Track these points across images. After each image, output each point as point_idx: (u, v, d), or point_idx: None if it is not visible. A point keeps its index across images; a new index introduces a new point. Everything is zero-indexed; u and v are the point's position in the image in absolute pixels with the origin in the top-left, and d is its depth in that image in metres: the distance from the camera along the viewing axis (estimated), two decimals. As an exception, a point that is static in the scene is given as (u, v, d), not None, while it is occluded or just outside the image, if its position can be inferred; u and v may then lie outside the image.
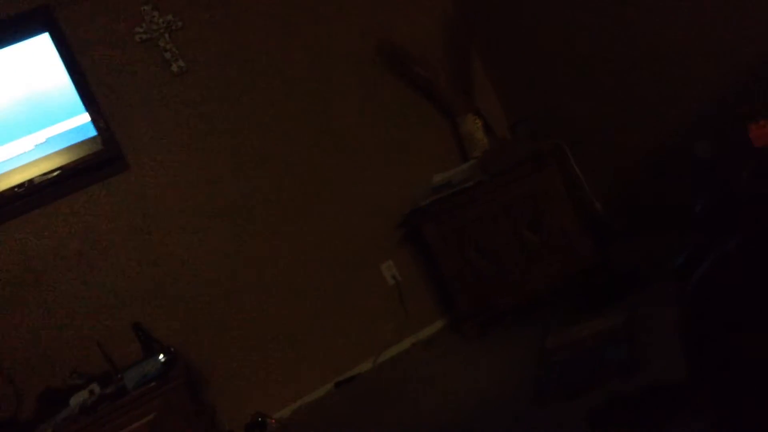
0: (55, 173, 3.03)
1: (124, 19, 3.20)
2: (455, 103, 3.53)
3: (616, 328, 2.43)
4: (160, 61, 3.24)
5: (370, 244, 3.50)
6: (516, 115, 3.65)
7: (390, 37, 3.57)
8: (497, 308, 3.11)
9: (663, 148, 2.85)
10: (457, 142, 3.64)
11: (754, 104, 2.24)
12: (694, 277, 1.68)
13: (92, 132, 3.08)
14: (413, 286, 3.54)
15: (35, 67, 3.05)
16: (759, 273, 1.37)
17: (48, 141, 3.04)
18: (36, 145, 3.02)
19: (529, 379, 2.38)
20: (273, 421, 3.06)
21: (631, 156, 3.08)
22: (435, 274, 3.41)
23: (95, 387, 2.72)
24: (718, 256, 1.57)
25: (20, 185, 2.98)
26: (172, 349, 2.82)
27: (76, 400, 2.67)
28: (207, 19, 3.33)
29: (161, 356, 2.74)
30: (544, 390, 2.27)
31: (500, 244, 3.08)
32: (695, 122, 2.64)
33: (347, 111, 3.53)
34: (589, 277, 2.95)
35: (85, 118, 3.08)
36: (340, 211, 3.47)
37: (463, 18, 3.64)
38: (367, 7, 3.61)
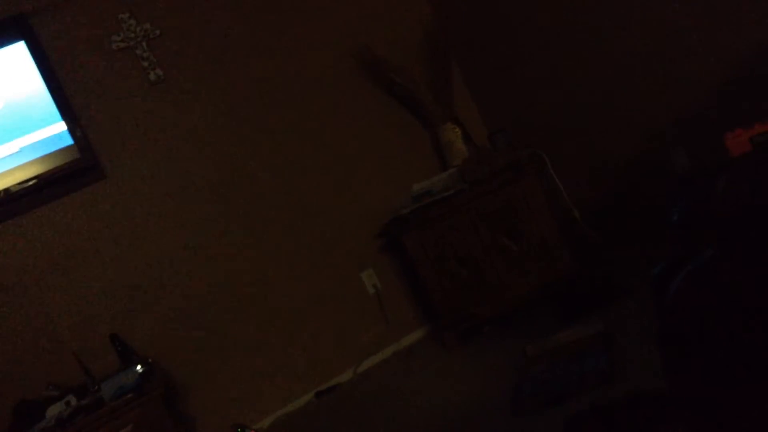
0: (31, 182, 3.00)
1: (101, 27, 3.18)
2: (435, 113, 3.55)
3: (595, 337, 2.44)
4: (137, 69, 3.22)
5: (351, 252, 3.50)
6: (495, 125, 3.67)
7: (370, 46, 3.57)
8: (477, 317, 3.12)
9: (640, 158, 2.88)
10: (436, 151, 3.65)
11: (731, 112, 2.27)
12: (671, 288, 1.69)
13: (69, 141, 3.05)
14: (394, 295, 3.55)
15: (10, 75, 3.01)
16: (734, 284, 1.39)
17: (23, 150, 3.00)
18: (11, 154, 2.98)
19: (509, 389, 2.38)
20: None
21: (609, 165, 3.11)
22: (415, 283, 3.42)
23: (72, 398, 2.68)
24: (694, 267, 1.59)
25: (-2, 192, 2.94)
26: (150, 360, 2.79)
27: (52, 411, 2.64)
28: (185, 28, 3.32)
29: (139, 367, 2.72)
30: (522, 399, 2.27)
31: (479, 253, 3.09)
32: (672, 131, 2.68)
33: (327, 120, 3.53)
34: (568, 286, 2.97)
35: (62, 126, 3.04)
36: (320, 220, 3.46)
37: (443, 28, 3.66)
38: (348, 16, 3.62)
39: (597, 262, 3.15)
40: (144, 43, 3.22)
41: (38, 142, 3.02)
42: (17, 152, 2.99)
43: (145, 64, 3.22)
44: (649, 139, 2.81)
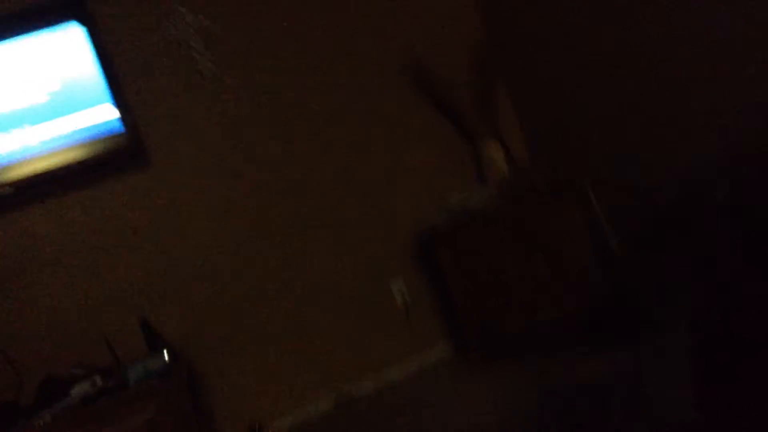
0: (77, 163, 3.04)
1: (157, 16, 3.24)
2: (478, 129, 3.54)
3: (624, 367, 2.41)
4: (189, 61, 3.27)
5: (383, 259, 3.49)
6: (538, 146, 3.65)
7: (419, 58, 3.59)
8: (505, 336, 3.09)
9: (684, 190, 2.83)
10: (477, 167, 3.64)
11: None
12: (707, 323, 1.66)
13: (117, 126, 3.09)
14: (421, 307, 3.53)
15: (65, 57, 3.07)
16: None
17: (72, 132, 3.05)
18: (60, 135, 3.04)
19: (531, 415, 2.35)
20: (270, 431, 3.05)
21: (652, 196, 3.06)
22: (444, 296, 3.40)
23: (97, 379, 2.71)
24: (733, 302, 1.56)
25: (41, 173, 2.99)
26: (177, 348, 2.81)
27: (77, 390, 2.67)
28: (240, 26, 3.36)
29: (165, 354, 2.74)
30: (547, 426, 2.24)
31: (512, 271, 3.07)
32: (720, 168, 2.63)
33: (370, 128, 3.54)
34: (600, 313, 2.93)
35: (111, 111, 3.09)
36: (355, 224, 3.47)
37: (493, 47, 3.66)
38: (400, 28, 3.63)
39: (631, 292, 3.10)
40: (198, 36, 3.27)
41: (88, 125, 3.08)
42: (67, 134, 3.04)
43: (198, 56, 3.27)
44: (694, 170, 2.77)
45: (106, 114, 3.08)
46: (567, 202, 3.03)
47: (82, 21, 3.08)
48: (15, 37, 3.00)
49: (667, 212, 2.95)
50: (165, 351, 2.75)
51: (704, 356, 1.63)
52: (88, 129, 3.06)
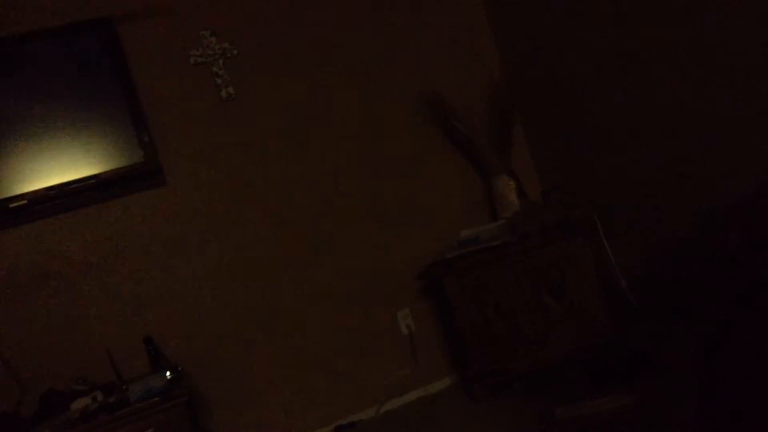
0: (92, 179, 3.08)
1: (182, 40, 3.30)
2: (492, 163, 3.56)
3: (628, 408, 2.38)
4: (211, 85, 3.33)
5: (389, 290, 3.49)
6: (550, 182, 3.66)
7: (436, 91, 3.63)
8: (509, 371, 3.06)
9: (694, 232, 2.83)
10: (488, 201, 3.65)
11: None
12: (715, 364, 1.65)
13: (134, 144, 3.14)
14: (427, 338, 3.52)
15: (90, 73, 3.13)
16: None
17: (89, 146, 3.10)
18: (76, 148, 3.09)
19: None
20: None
21: (661, 237, 3.06)
22: (450, 329, 3.38)
23: (98, 394, 2.71)
24: (742, 340, 1.55)
25: (53, 187, 3.03)
26: (180, 368, 2.81)
27: (78, 405, 2.67)
28: (262, 52, 3.42)
29: (168, 373, 2.73)
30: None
31: (520, 307, 3.06)
32: (730, 209, 2.63)
33: (385, 157, 3.58)
34: (606, 352, 2.91)
35: (130, 129, 3.14)
36: (364, 253, 3.48)
37: (510, 83, 3.70)
38: (419, 60, 3.69)
39: (637, 333, 3.08)
40: (221, 61, 3.33)
41: (105, 141, 3.12)
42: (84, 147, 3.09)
43: (219, 81, 3.32)
44: (704, 214, 2.76)
45: (125, 132, 3.13)
46: (577, 238, 3.03)
47: (107, 40, 3.16)
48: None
49: (677, 254, 2.94)
50: (168, 370, 2.75)
51: (707, 399, 1.61)
52: (105, 145, 3.11)
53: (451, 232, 3.39)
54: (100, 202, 3.13)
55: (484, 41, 3.84)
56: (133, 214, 3.17)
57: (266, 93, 3.42)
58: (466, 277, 3.10)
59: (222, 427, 3.16)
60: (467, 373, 3.24)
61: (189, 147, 3.28)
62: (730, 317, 1.83)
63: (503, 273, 3.06)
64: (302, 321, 3.36)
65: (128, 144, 3.14)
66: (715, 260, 2.63)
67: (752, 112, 2.43)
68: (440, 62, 3.74)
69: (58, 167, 3.04)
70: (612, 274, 3.15)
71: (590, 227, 3.09)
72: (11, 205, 2.96)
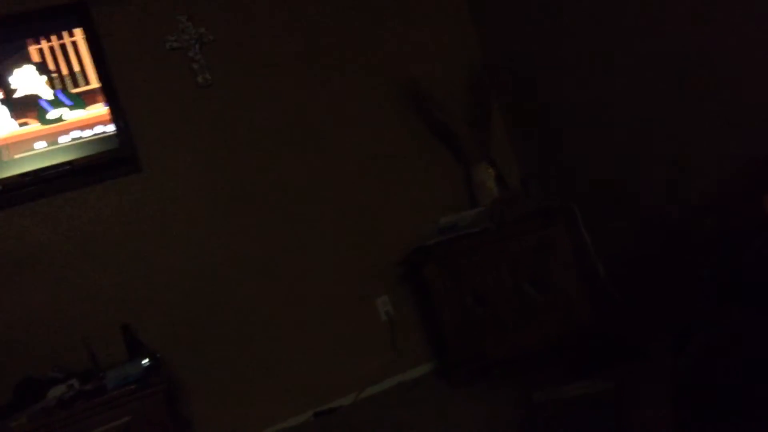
0: (67, 165, 3.04)
1: (158, 25, 3.26)
2: (471, 151, 3.56)
3: (603, 394, 2.40)
4: (187, 71, 3.29)
5: (369, 276, 3.49)
6: (529, 170, 3.67)
7: (416, 78, 3.62)
8: (488, 358, 3.08)
9: (672, 217, 2.85)
10: (468, 188, 3.66)
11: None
12: (691, 353, 1.66)
13: (110, 130, 3.10)
14: (406, 325, 3.52)
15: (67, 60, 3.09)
16: (762, 349, 1.36)
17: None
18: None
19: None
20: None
21: (640, 224, 3.08)
22: (429, 316, 3.39)
23: (75, 382, 2.68)
24: (719, 331, 1.56)
25: (29, 173, 2.98)
26: (158, 356, 2.79)
27: (54, 393, 2.64)
28: (239, 37, 3.39)
29: (145, 360, 2.72)
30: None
31: (499, 294, 3.07)
32: (707, 193, 2.65)
33: (363, 143, 3.57)
34: (584, 339, 2.94)
35: (105, 115, 3.09)
36: (342, 241, 3.48)
37: (489, 71, 3.69)
38: (398, 47, 3.68)
39: (616, 319, 3.11)
40: (197, 46, 3.29)
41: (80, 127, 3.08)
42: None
43: (195, 66, 3.29)
44: (682, 199, 2.79)
45: (99, 117, 3.09)
46: (556, 226, 3.05)
47: (84, 26, 3.11)
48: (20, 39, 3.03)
49: (654, 240, 2.97)
50: (145, 358, 2.73)
51: (686, 384, 1.62)
52: (81, 131, 3.07)
53: (431, 220, 3.39)
54: (76, 188, 3.09)
55: (463, 28, 3.83)
56: (108, 201, 3.14)
57: (243, 78, 3.39)
58: (444, 264, 3.10)
59: (200, 415, 3.15)
60: (446, 360, 3.26)
61: (164, 133, 3.24)
62: (706, 305, 1.85)
63: (482, 260, 3.08)
64: (281, 308, 3.35)
65: (103, 130, 3.09)
66: (693, 248, 2.66)
67: (729, 96, 2.45)
68: (420, 50, 3.73)
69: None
70: (591, 263, 3.17)
71: (568, 215, 3.12)
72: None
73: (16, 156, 2.98)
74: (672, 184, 2.81)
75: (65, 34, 3.09)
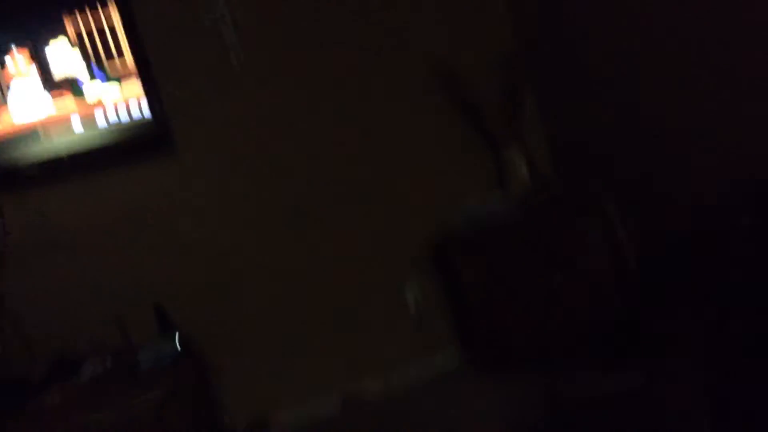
0: (103, 145, 3.06)
1: (192, 4, 3.25)
2: (502, 135, 3.53)
3: (634, 387, 2.39)
4: (222, 50, 3.28)
5: (398, 261, 3.49)
6: (562, 156, 3.63)
7: (447, 60, 3.58)
8: (516, 346, 3.07)
9: (710, 212, 2.80)
10: (498, 173, 3.62)
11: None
12: (724, 344, 1.64)
13: (146, 111, 3.10)
14: (434, 311, 3.52)
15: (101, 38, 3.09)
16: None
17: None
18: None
19: (539, 427, 2.34)
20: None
21: (676, 214, 3.04)
22: (457, 303, 3.39)
23: (108, 360, 2.73)
24: (748, 323, 1.54)
25: (65, 153, 3.01)
26: (189, 335, 2.83)
27: (88, 370, 2.69)
28: (276, 17, 3.36)
29: (177, 340, 2.75)
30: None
31: (528, 282, 3.05)
32: (747, 192, 2.60)
33: (395, 124, 3.54)
34: (614, 330, 2.91)
35: (141, 95, 3.10)
36: (373, 223, 3.47)
37: (523, 55, 3.64)
38: (431, 29, 3.63)
39: (648, 310, 3.07)
40: (233, 26, 3.28)
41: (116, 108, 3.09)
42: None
43: (231, 46, 3.27)
44: (721, 193, 2.74)
45: (133, 93, 3.09)
46: (588, 215, 3.01)
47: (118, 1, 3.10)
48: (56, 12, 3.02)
49: (690, 233, 2.92)
50: (177, 337, 2.76)
51: (720, 377, 1.61)
52: (115, 108, 3.07)
53: (460, 205, 3.37)
54: (111, 169, 3.11)
55: (496, 9, 3.77)
56: (143, 182, 3.16)
57: (277, 60, 3.37)
58: (473, 252, 3.09)
59: (231, 393, 3.19)
60: (473, 347, 3.26)
61: (200, 115, 3.24)
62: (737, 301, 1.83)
63: (511, 247, 3.06)
64: (308, 290, 3.36)
65: (139, 111, 3.10)
66: (728, 243, 2.61)
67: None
68: (451, 31, 3.67)
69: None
70: (622, 251, 3.14)
71: (602, 203, 3.08)
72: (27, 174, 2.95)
73: (53, 137, 3.00)
74: (713, 174, 2.75)
75: (99, 6, 3.08)
